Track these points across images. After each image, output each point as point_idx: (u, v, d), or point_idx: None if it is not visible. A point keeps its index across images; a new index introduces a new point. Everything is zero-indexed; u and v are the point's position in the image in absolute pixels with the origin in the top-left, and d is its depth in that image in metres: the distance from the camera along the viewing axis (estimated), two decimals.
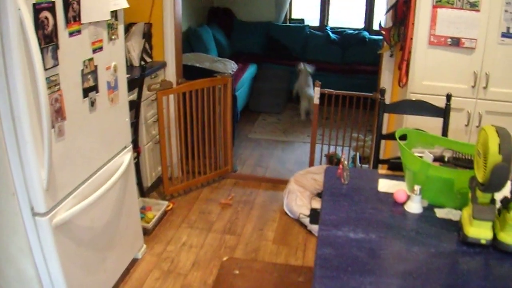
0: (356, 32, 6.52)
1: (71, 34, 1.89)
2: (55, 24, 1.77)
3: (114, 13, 2.24)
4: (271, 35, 6.57)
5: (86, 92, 2.06)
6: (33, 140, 1.74)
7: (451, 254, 1.52)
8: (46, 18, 1.72)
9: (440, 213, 1.76)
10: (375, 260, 1.48)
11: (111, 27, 2.23)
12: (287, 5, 6.75)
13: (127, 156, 2.52)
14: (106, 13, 2.15)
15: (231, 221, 3.32)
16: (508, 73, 2.81)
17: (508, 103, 2.86)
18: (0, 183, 1.83)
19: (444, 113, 2.51)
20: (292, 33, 6.57)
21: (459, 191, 1.72)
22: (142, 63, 3.44)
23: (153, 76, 3.46)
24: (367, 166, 3.96)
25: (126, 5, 2.31)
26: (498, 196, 1.55)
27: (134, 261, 2.79)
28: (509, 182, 1.48)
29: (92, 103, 2.13)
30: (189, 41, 5.39)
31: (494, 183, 1.44)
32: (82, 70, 2.01)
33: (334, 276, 1.38)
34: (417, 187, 1.74)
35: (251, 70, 5.88)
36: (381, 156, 3.42)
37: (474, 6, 2.72)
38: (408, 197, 1.80)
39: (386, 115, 3.28)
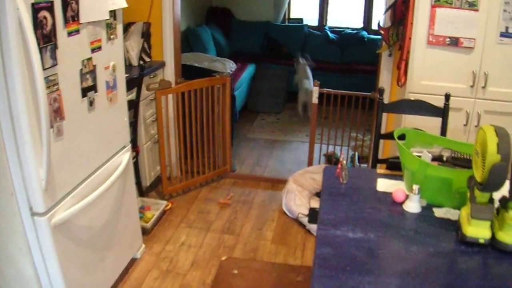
0: (355, 31, 6.53)
1: (69, 33, 1.89)
2: (53, 24, 1.77)
3: (113, 13, 2.24)
4: (270, 35, 6.57)
5: (84, 91, 2.06)
6: (32, 140, 1.74)
7: (449, 254, 1.52)
8: (45, 17, 1.72)
9: (438, 212, 1.76)
10: (374, 259, 1.48)
11: (109, 27, 2.23)
12: (286, 5, 6.75)
13: (126, 156, 2.52)
14: (105, 12, 2.15)
15: (230, 221, 3.32)
16: (507, 73, 2.81)
17: (506, 102, 2.86)
18: None
19: (442, 112, 2.51)
20: (291, 32, 6.57)
21: (458, 191, 1.72)
22: (141, 62, 3.43)
23: (152, 76, 3.45)
24: (365, 165, 3.96)
25: (125, 5, 2.31)
26: (497, 195, 1.55)
27: (133, 261, 2.79)
28: (507, 182, 1.48)
29: (91, 103, 2.13)
30: (188, 41, 5.39)
31: (492, 182, 1.45)
32: (81, 70, 2.01)
33: (333, 276, 1.38)
34: (415, 187, 1.75)
35: (249, 69, 5.88)
36: (380, 156, 3.42)
37: (472, 6, 2.73)
38: (407, 197, 1.81)
39: (384, 115, 3.28)
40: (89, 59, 2.07)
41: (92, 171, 2.21)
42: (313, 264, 1.45)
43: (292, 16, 7.12)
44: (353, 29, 6.64)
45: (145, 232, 3.04)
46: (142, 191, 3.41)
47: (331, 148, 3.91)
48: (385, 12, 3.25)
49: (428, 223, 1.69)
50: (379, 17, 3.76)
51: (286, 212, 3.39)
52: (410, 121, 2.89)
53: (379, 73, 3.49)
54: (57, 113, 1.86)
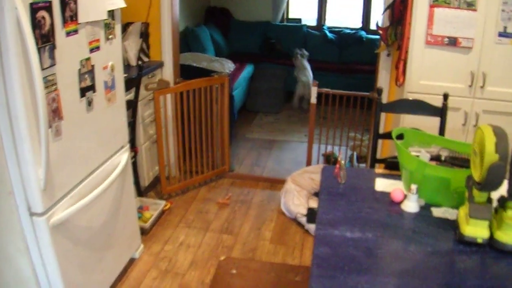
0: (354, 31, 6.53)
1: (68, 33, 1.89)
2: (52, 24, 1.77)
3: (111, 13, 2.24)
4: (269, 35, 6.57)
5: (83, 91, 2.06)
6: (30, 140, 1.74)
7: (447, 253, 1.52)
8: (43, 17, 1.71)
9: (436, 212, 1.76)
10: (372, 259, 1.48)
11: (108, 27, 2.23)
12: (284, 5, 6.76)
13: (124, 156, 2.52)
14: (103, 12, 2.15)
15: (229, 221, 3.32)
16: (505, 73, 2.82)
17: (505, 102, 2.87)
18: None
19: (441, 112, 2.52)
20: (290, 32, 6.58)
21: (456, 190, 1.73)
22: (139, 62, 3.43)
23: (150, 76, 3.45)
24: (364, 165, 3.97)
25: (123, 5, 2.31)
26: (495, 195, 1.55)
27: (131, 261, 2.79)
28: (505, 181, 1.48)
29: (89, 103, 2.13)
30: (186, 41, 5.39)
31: (490, 182, 1.45)
32: (79, 70, 2.01)
33: (331, 276, 1.38)
34: (413, 186, 1.75)
35: (248, 69, 5.88)
36: (378, 156, 3.42)
37: (471, 6, 2.73)
38: (405, 196, 1.81)
39: (383, 115, 3.29)
40: (88, 59, 2.07)
41: (90, 171, 2.21)
42: (311, 263, 1.46)
43: (290, 16, 7.13)
44: (351, 29, 6.65)
45: (143, 232, 3.04)
46: (140, 191, 3.41)
47: (329, 148, 3.91)
48: (384, 12, 3.25)
49: (426, 223, 1.69)
50: (378, 17, 3.76)
51: (285, 212, 3.39)
52: (409, 120, 2.90)
53: (377, 73, 3.49)
54: (55, 113, 1.86)
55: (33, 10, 1.65)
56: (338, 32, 6.58)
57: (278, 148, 4.75)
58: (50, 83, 1.80)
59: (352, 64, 6.14)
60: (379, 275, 1.40)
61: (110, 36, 2.25)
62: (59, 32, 1.83)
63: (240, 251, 2.98)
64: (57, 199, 1.95)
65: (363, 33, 6.45)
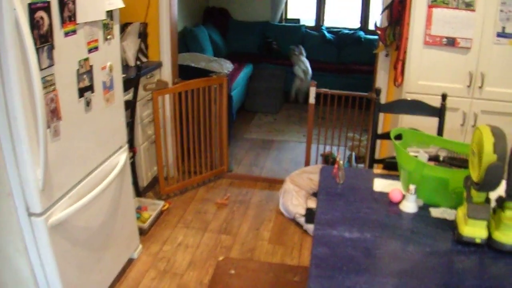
0: (352, 32, 6.54)
1: (66, 34, 1.89)
2: (50, 24, 1.77)
3: (110, 13, 2.23)
4: (267, 35, 6.57)
5: (81, 92, 2.06)
6: (29, 140, 1.74)
7: (446, 253, 1.52)
8: (42, 18, 1.71)
9: (435, 212, 1.76)
10: (370, 259, 1.49)
11: (106, 27, 2.22)
12: (283, 5, 6.76)
13: (122, 156, 2.52)
14: (102, 13, 2.15)
15: (227, 221, 3.32)
16: (503, 73, 2.82)
17: (503, 102, 2.87)
18: None
19: (439, 112, 2.52)
20: (288, 33, 6.58)
21: (454, 191, 1.73)
22: (138, 63, 3.43)
23: (148, 76, 3.45)
24: (362, 165, 3.97)
25: (122, 5, 2.31)
26: (493, 195, 1.55)
27: (130, 261, 2.79)
28: (503, 182, 1.48)
29: (88, 103, 2.13)
30: (185, 41, 5.38)
31: (488, 182, 1.45)
32: (78, 70, 2.01)
33: (330, 276, 1.39)
34: (412, 187, 1.75)
35: (247, 70, 5.88)
36: (377, 156, 3.43)
37: (469, 6, 2.73)
38: (403, 197, 1.81)
39: (381, 115, 3.29)
40: (86, 59, 2.06)
41: (89, 171, 2.21)
42: (310, 264, 1.46)
43: (289, 16, 7.13)
44: (350, 29, 6.66)
45: (142, 232, 3.04)
46: (139, 192, 3.40)
47: (328, 148, 3.91)
48: (382, 12, 3.25)
49: (425, 223, 1.69)
50: (376, 17, 3.76)
51: (283, 212, 3.39)
52: (407, 121, 2.90)
53: (376, 73, 3.49)
54: (54, 114, 1.86)
55: (32, 10, 1.65)
56: (336, 33, 6.58)
57: (276, 148, 4.75)
58: (48, 84, 1.80)
59: (351, 65, 6.15)
60: (377, 275, 1.41)
61: (108, 37, 2.25)
62: (58, 33, 1.83)
63: (239, 251, 2.98)
64: (56, 200, 1.95)
65: (361, 33, 6.45)
